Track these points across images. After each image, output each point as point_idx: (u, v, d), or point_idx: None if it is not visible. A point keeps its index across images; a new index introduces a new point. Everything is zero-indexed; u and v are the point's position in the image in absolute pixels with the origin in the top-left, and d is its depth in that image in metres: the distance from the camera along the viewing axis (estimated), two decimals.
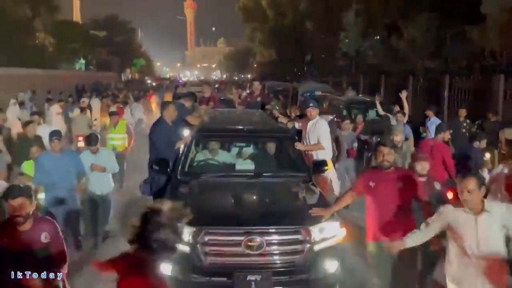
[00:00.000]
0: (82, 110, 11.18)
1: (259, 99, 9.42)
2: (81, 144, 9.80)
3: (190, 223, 3.55)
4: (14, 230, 3.27)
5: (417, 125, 9.55)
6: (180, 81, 50.10)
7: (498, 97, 11.18)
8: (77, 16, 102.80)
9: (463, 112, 9.00)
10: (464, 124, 8.84)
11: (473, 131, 8.48)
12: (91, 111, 12.67)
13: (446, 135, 6.47)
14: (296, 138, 6.41)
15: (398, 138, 6.45)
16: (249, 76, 62.91)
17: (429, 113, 9.06)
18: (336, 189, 6.79)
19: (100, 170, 5.99)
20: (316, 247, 4.18)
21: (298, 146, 5.98)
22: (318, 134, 6.49)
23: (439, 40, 15.09)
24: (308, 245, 4.16)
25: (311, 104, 6.89)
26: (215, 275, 4.07)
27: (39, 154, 5.75)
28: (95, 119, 12.19)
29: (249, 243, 4.04)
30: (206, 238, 4.06)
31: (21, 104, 13.48)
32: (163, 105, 6.48)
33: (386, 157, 4.05)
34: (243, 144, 6.46)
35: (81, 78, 34.71)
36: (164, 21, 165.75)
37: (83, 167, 5.79)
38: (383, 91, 17.54)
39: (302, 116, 7.37)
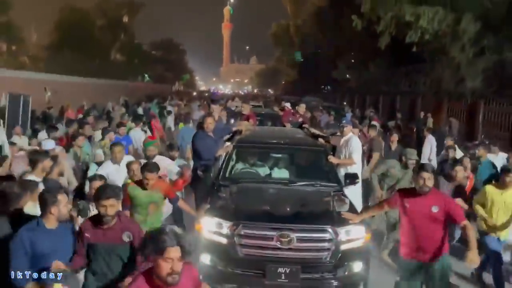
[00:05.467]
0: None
1: (301, 119, 10.46)
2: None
3: (228, 218, 4.48)
4: (99, 228, 3.46)
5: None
6: (217, 92, 54.69)
7: (396, 111, 20.93)
8: None
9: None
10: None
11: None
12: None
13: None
14: (330, 152, 6.57)
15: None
16: (272, 91, 67.61)
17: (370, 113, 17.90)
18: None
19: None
20: (343, 247, 4.46)
21: (331, 159, 6.16)
22: (351, 150, 6.85)
23: (390, 74, 25.04)
24: (335, 244, 4.42)
25: (343, 121, 7.47)
26: (249, 266, 4.41)
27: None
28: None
29: (280, 238, 4.36)
30: (243, 232, 4.42)
31: (127, 106, 18.77)
32: (203, 118, 7.25)
33: (427, 182, 3.98)
34: (279, 156, 6.58)
35: (147, 89, 42.02)
36: (203, 39, 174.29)
37: None
38: (357, 104, 28.50)
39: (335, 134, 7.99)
